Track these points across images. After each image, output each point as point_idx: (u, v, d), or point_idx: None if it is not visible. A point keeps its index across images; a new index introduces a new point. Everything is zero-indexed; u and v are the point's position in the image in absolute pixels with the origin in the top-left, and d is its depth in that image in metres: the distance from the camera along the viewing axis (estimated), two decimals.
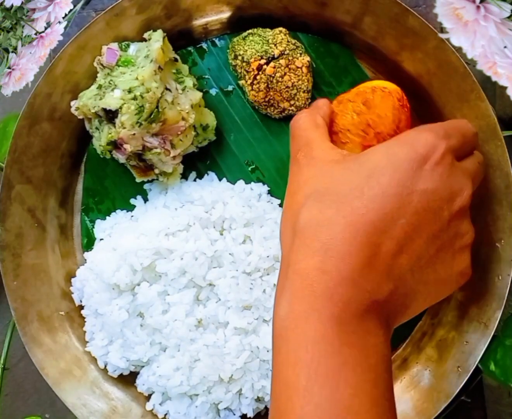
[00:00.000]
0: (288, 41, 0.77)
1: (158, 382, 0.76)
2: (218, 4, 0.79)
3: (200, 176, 0.82)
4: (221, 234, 0.77)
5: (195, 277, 0.75)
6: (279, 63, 0.76)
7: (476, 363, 0.72)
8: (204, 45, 0.82)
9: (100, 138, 0.74)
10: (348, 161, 0.53)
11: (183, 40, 0.81)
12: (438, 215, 0.52)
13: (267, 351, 0.74)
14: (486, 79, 0.62)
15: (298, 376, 0.46)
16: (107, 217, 0.83)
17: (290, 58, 0.76)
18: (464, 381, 0.73)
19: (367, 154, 0.53)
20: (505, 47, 0.61)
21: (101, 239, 0.83)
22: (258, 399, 0.78)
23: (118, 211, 0.83)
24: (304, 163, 0.57)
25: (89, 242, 0.84)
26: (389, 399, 0.50)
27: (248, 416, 0.77)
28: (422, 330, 0.79)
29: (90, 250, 0.83)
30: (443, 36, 0.64)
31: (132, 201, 0.83)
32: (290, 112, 0.79)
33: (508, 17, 0.61)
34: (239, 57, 0.78)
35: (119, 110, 0.70)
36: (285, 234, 0.53)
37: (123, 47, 0.76)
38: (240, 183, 0.81)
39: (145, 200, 0.83)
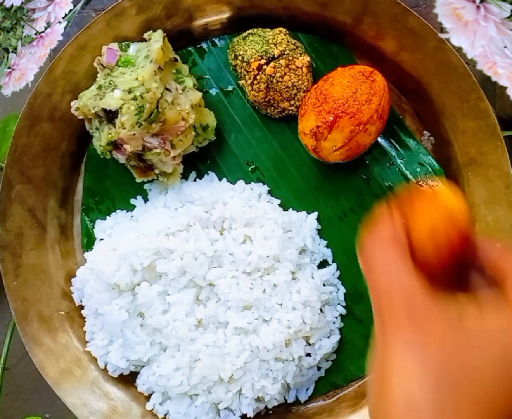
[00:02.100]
0: (288, 41, 0.77)
1: (158, 382, 0.76)
2: (218, 4, 0.79)
3: (200, 176, 0.82)
4: (221, 234, 0.77)
5: (195, 277, 0.75)
6: (279, 63, 0.76)
7: None
8: (204, 45, 0.82)
9: (100, 138, 0.74)
10: (476, 331, 0.41)
11: (183, 40, 0.81)
12: None
13: (267, 351, 0.74)
14: (486, 79, 0.62)
15: None
16: (107, 217, 0.83)
17: (290, 58, 0.76)
18: None
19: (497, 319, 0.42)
20: (505, 47, 0.61)
21: (101, 239, 0.83)
22: (258, 399, 0.78)
23: (118, 211, 0.83)
24: (408, 338, 0.41)
25: (89, 242, 0.84)
26: None
27: (248, 416, 0.77)
28: None
29: (90, 250, 0.83)
30: (443, 36, 0.64)
31: (132, 201, 0.83)
32: (290, 112, 0.79)
33: (508, 17, 0.61)
34: (239, 57, 0.78)
35: (119, 110, 0.70)
36: None
37: (123, 47, 0.76)
38: (240, 183, 0.81)
39: (145, 200, 0.83)
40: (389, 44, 0.75)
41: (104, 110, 0.71)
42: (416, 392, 0.39)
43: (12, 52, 0.73)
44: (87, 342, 0.81)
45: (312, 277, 0.78)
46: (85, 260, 0.82)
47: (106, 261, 0.76)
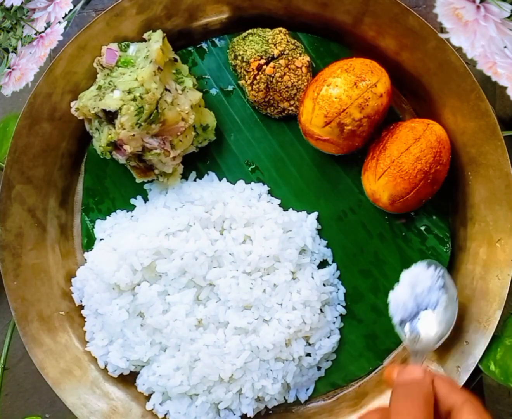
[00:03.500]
0: (288, 41, 0.77)
1: (158, 382, 0.76)
2: (218, 4, 0.79)
3: (200, 176, 0.82)
4: (221, 234, 0.77)
5: (195, 277, 0.75)
6: (279, 63, 0.76)
7: (476, 363, 0.72)
8: (204, 45, 0.82)
9: (100, 139, 0.74)
10: None
11: (183, 40, 0.81)
12: None
13: (267, 351, 0.75)
14: (486, 79, 0.62)
15: None
16: (107, 217, 0.83)
17: (290, 58, 0.76)
18: (464, 381, 0.73)
19: None
20: (505, 47, 0.61)
21: (101, 239, 0.83)
22: (258, 399, 0.78)
23: (118, 211, 0.83)
24: None
25: (89, 242, 0.84)
26: None
27: (248, 416, 0.77)
28: None
29: (90, 250, 0.83)
30: (443, 36, 0.64)
31: (132, 201, 0.83)
32: (290, 112, 0.79)
33: (508, 17, 0.61)
34: (239, 57, 0.78)
35: (119, 111, 0.70)
36: None
37: (123, 47, 0.76)
38: (240, 183, 0.81)
39: (145, 200, 0.83)
40: (389, 44, 0.75)
41: (104, 110, 0.71)
42: None
43: (12, 52, 0.73)
44: (87, 342, 0.81)
45: (312, 277, 0.78)
46: (85, 260, 0.82)
47: (106, 261, 0.76)
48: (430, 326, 0.68)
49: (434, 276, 0.70)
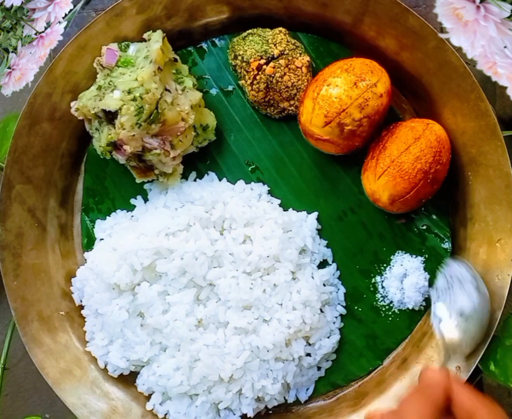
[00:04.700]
0: (287, 41, 0.77)
1: (158, 382, 0.76)
2: (218, 4, 0.79)
3: (200, 176, 0.82)
4: (221, 234, 0.77)
5: (195, 277, 0.75)
6: (279, 63, 0.76)
7: (476, 363, 0.72)
8: (204, 45, 0.82)
9: (100, 139, 0.74)
10: None
11: (183, 40, 0.81)
12: None
13: (267, 351, 0.75)
14: (486, 79, 0.62)
15: None
16: (107, 217, 0.83)
17: (290, 58, 0.76)
18: (464, 381, 0.73)
19: None
20: (505, 47, 0.61)
21: (101, 239, 0.83)
22: (258, 399, 0.78)
23: (118, 211, 0.83)
24: None
25: (89, 242, 0.84)
26: None
27: (248, 416, 0.77)
28: (422, 330, 0.79)
29: (90, 250, 0.83)
30: (443, 36, 0.64)
31: (132, 201, 0.83)
32: (290, 112, 0.79)
33: (508, 17, 0.61)
34: (239, 57, 0.78)
35: (119, 111, 0.70)
36: None
37: (123, 47, 0.76)
38: (240, 183, 0.81)
39: (145, 200, 0.83)
40: (389, 44, 0.75)
41: (104, 111, 0.71)
42: None
43: (12, 52, 0.74)
44: (87, 342, 0.81)
45: (312, 277, 0.78)
46: (85, 260, 0.82)
47: (106, 261, 0.76)
48: (464, 330, 0.69)
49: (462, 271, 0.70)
